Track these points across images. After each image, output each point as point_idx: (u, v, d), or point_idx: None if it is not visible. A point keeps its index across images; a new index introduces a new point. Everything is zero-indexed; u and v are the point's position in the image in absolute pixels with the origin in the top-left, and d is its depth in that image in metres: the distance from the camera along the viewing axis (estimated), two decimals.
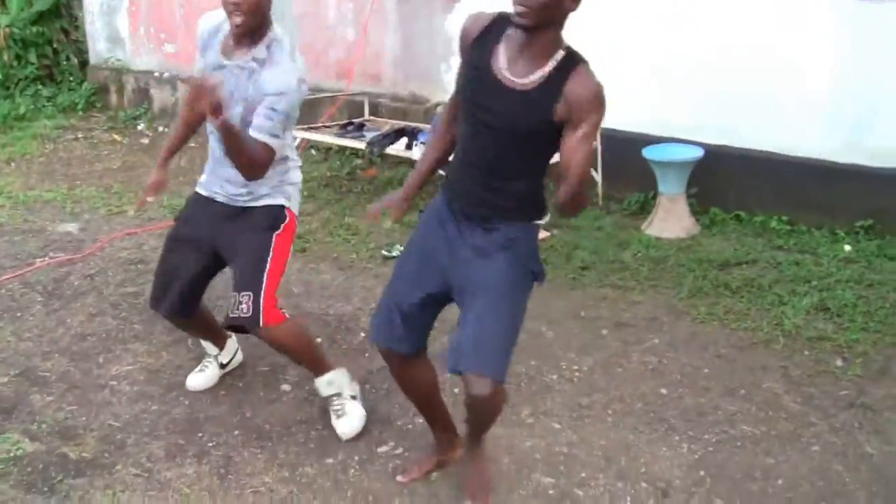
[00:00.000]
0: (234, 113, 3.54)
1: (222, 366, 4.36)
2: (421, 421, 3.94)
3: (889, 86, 5.83)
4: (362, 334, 4.80)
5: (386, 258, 5.76)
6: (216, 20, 3.70)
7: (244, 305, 3.66)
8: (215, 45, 3.67)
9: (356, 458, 3.75)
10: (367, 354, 4.56)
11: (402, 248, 5.78)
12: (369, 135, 7.01)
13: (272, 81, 3.53)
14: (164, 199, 7.06)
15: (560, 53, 2.94)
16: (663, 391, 4.20)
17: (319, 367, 3.93)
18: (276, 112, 3.52)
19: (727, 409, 4.02)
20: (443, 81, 7.68)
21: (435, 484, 3.57)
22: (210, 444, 3.86)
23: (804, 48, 6.01)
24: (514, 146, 3.02)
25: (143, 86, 9.72)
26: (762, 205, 6.28)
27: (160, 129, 9.35)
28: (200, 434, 3.93)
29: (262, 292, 3.67)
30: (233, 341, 4.39)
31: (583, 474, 3.60)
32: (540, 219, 3.20)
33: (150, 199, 4.20)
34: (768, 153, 6.26)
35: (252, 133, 3.51)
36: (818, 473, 3.58)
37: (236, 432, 3.94)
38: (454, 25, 7.48)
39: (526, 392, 4.24)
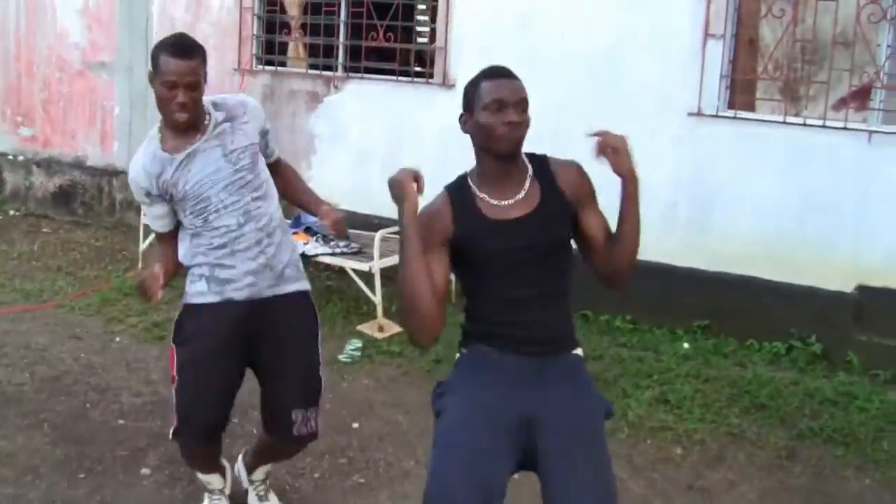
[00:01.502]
0: (240, 163, 3.48)
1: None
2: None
3: (720, 195, 6.32)
4: None
5: None
6: (142, 156, 3.51)
7: (312, 422, 3.63)
8: (167, 164, 3.46)
9: None
10: (227, 441, 4.56)
11: None
12: None
13: (252, 111, 3.59)
14: (17, 283, 6.98)
15: (528, 166, 2.97)
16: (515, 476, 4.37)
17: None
18: (269, 133, 3.69)
19: None
20: (304, 177, 7.85)
21: None
22: None
23: (645, 159, 6.40)
24: (548, 265, 2.94)
25: None
26: (607, 304, 6.62)
27: (11, 212, 9.23)
28: None
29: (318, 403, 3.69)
30: (229, 469, 4.04)
31: None
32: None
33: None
34: None
35: (271, 159, 3.70)
36: None
37: None
38: (317, 123, 7.74)
39: (384, 478, 4.36)
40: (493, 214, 2.89)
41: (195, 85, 3.35)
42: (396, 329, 6.22)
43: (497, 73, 2.87)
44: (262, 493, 4.00)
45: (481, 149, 2.90)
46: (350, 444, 4.66)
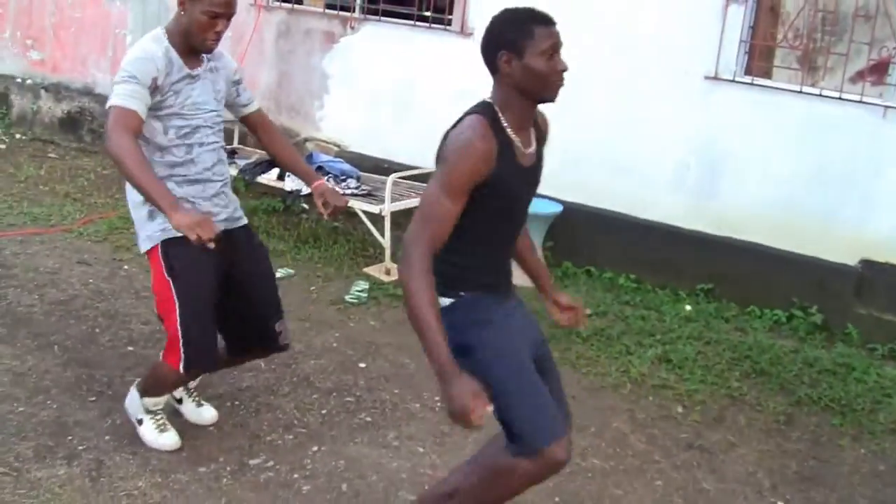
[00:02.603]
0: (219, 107, 3.81)
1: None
2: (291, 437, 4.10)
3: (730, 160, 6.35)
4: None
5: None
6: (156, 47, 3.59)
7: (287, 332, 4.01)
8: (175, 63, 3.60)
9: (228, 468, 3.84)
10: (234, 373, 4.65)
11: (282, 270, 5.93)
12: (241, 162, 7.11)
13: (230, 66, 3.89)
14: (25, 206, 6.98)
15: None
16: None
17: None
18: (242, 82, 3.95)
19: (579, 444, 4.28)
20: (314, 117, 7.88)
21: (307, 495, 3.71)
22: (80, 448, 3.88)
23: (656, 120, 6.46)
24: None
25: (2, 90, 9.53)
26: (612, 262, 6.68)
27: (17, 136, 9.18)
28: (70, 437, 3.95)
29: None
30: None
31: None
32: None
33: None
34: (619, 214, 6.67)
35: (252, 107, 3.98)
36: None
37: (107, 437, 3.98)
38: (331, 64, 7.71)
39: (391, 418, 4.42)
40: (521, 160, 2.94)
41: (231, 14, 3.61)
42: None
43: (548, 20, 2.88)
44: (197, 399, 4.21)
45: (523, 93, 2.89)
46: (357, 383, 4.72)
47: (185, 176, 3.69)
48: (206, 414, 4.18)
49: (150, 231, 3.69)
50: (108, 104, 3.49)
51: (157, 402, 3.97)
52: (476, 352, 2.89)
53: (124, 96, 3.47)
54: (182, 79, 3.63)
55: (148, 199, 3.39)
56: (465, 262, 2.97)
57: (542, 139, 3.09)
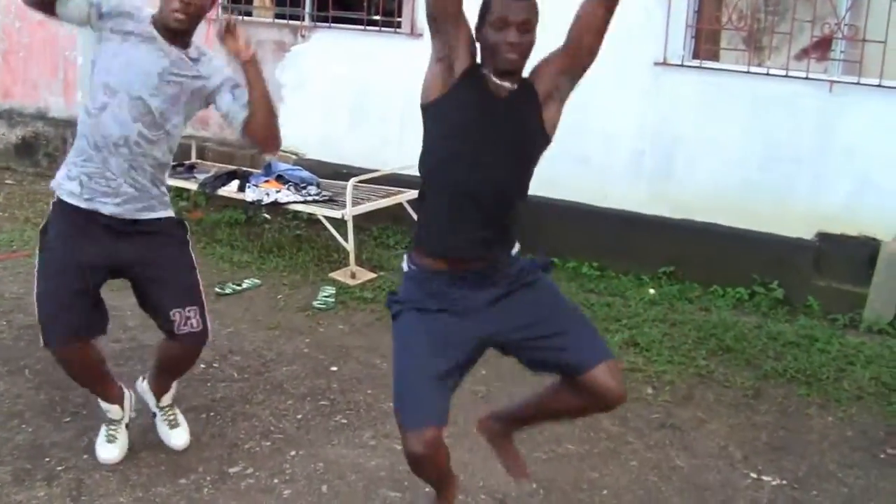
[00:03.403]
0: (161, 93, 3.56)
1: (127, 427, 4.07)
2: (268, 443, 4.13)
3: (685, 144, 6.45)
4: (202, 365, 4.89)
5: (219, 295, 5.89)
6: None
7: (193, 320, 3.74)
8: (138, 21, 3.55)
9: (208, 478, 3.86)
10: (208, 384, 4.68)
11: (235, 286, 5.97)
12: (200, 176, 7.12)
13: (221, 68, 3.68)
14: None
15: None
16: None
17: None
18: (241, 87, 3.66)
19: (554, 430, 4.34)
20: None
21: (288, 499, 3.75)
22: (59, 468, 3.87)
23: (609, 109, 6.55)
24: (519, 161, 3.09)
25: None
26: (574, 252, 6.76)
27: None
28: (48, 459, 3.94)
29: (205, 305, 3.80)
30: (128, 398, 4.06)
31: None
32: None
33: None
34: (579, 204, 6.75)
35: (245, 110, 3.65)
36: (637, 484, 3.96)
37: (85, 456, 3.97)
38: (283, 73, 7.74)
39: (366, 418, 4.45)
40: (491, 87, 3.00)
41: None
42: (368, 276, 6.32)
43: None
44: (171, 419, 4.10)
45: (484, 62, 2.97)
46: (330, 386, 4.75)
47: (86, 146, 3.63)
48: (175, 440, 4.05)
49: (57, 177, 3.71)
50: None
51: (107, 408, 3.97)
52: (393, 336, 3.15)
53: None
54: (135, 32, 3.54)
55: None
56: (424, 216, 3.09)
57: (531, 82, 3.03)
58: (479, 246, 3.04)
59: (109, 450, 3.95)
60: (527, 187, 3.13)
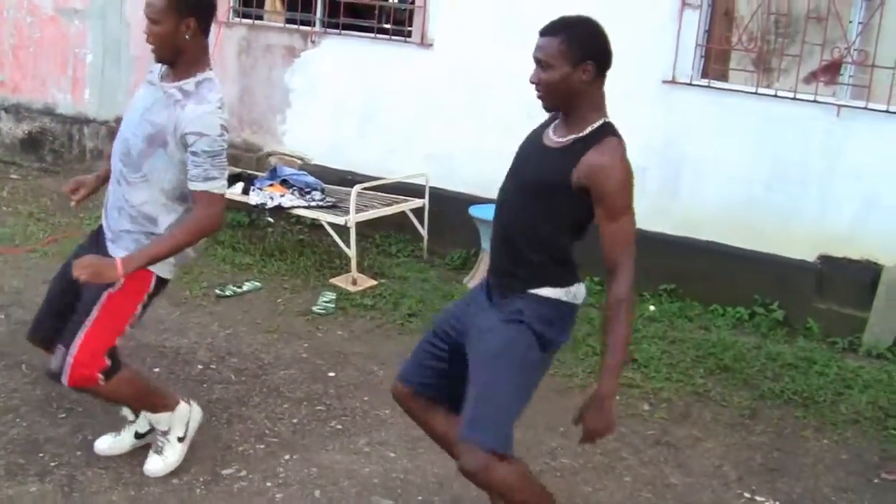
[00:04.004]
0: (140, 132, 3.53)
1: (138, 436, 4.02)
2: (262, 446, 4.13)
3: (691, 162, 6.45)
4: (199, 366, 4.91)
5: (219, 297, 5.89)
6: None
7: (60, 359, 3.60)
8: (156, 70, 3.65)
9: (201, 479, 3.86)
10: (204, 385, 4.69)
11: (235, 288, 5.98)
12: None
13: (194, 121, 3.44)
14: None
15: (597, 123, 3.11)
16: None
17: (155, 408, 3.87)
18: (198, 157, 3.44)
19: (549, 444, 4.35)
20: (277, 132, 7.91)
21: (280, 503, 3.74)
22: (52, 464, 3.88)
23: (619, 124, 6.49)
24: (531, 205, 3.09)
25: None
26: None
27: None
28: (41, 454, 3.95)
29: (77, 348, 3.55)
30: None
31: (419, 497, 3.85)
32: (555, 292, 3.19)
33: (73, 198, 3.90)
34: None
35: (190, 186, 3.49)
36: (631, 500, 3.96)
37: (79, 453, 3.98)
38: (292, 78, 7.75)
39: (361, 424, 4.45)
40: (545, 137, 3.23)
41: (154, 20, 3.48)
42: (370, 283, 6.32)
43: (541, 31, 3.07)
44: (160, 444, 3.92)
45: None
46: (327, 392, 4.75)
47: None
48: (148, 464, 3.90)
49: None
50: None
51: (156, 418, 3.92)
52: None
53: None
54: (146, 80, 3.70)
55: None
56: (570, 257, 3.30)
57: (579, 154, 3.07)
58: (498, 272, 3.24)
59: (103, 439, 4.03)
60: (539, 235, 3.12)
